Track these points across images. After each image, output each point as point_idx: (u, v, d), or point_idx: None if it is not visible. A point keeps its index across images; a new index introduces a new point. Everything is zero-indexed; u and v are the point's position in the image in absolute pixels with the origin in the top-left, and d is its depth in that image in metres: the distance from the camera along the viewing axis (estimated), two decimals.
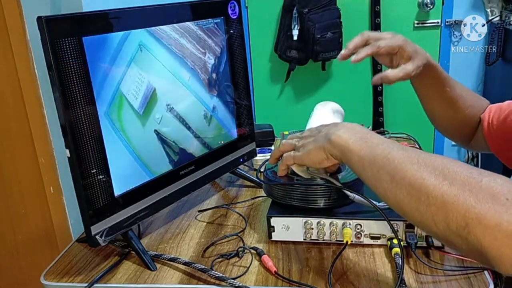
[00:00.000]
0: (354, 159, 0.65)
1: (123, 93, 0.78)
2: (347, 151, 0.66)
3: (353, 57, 0.83)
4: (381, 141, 0.64)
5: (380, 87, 2.30)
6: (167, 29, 0.85)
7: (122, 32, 0.77)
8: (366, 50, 0.82)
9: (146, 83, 0.82)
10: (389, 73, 0.82)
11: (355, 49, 0.84)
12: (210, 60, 0.94)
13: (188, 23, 0.89)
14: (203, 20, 0.92)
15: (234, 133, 1.03)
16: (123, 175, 0.79)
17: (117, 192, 0.78)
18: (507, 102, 0.89)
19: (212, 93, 0.96)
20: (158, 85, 0.84)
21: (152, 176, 0.85)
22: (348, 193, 0.79)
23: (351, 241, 0.79)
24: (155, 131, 0.85)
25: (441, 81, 0.88)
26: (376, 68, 2.28)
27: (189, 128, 0.91)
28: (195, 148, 0.93)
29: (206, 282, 0.75)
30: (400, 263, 0.72)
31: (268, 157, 1.15)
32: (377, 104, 2.32)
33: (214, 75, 0.96)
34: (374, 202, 0.79)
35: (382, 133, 1.34)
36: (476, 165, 2.35)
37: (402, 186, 0.56)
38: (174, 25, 0.86)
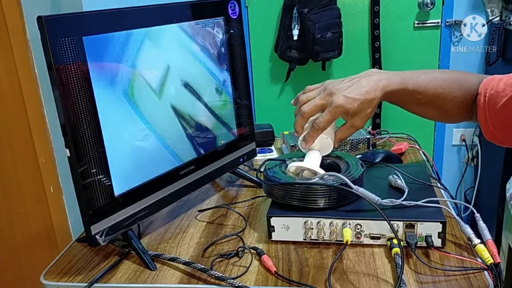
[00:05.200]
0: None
1: (139, 70, 0.80)
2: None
3: (303, 145, 0.90)
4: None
5: None
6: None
7: (122, 32, 0.77)
8: (312, 135, 0.88)
9: (160, 58, 0.84)
10: (342, 133, 0.89)
11: (302, 129, 0.90)
12: (219, 35, 0.96)
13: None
14: (203, 20, 0.92)
15: (234, 130, 1.03)
16: (123, 175, 0.79)
17: (117, 191, 0.78)
18: (503, 82, 0.82)
19: (222, 67, 0.97)
20: (172, 61, 0.86)
21: (178, 161, 0.89)
22: (352, 185, 0.80)
23: (351, 241, 0.79)
24: (172, 106, 0.86)
25: (408, 95, 0.86)
26: (375, 68, 2.28)
27: (203, 102, 0.93)
28: (207, 122, 0.96)
29: (206, 282, 0.75)
30: (400, 263, 0.72)
31: (269, 157, 1.15)
32: None
33: (223, 49, 0.97)
34: (376, 198, 0.79)
35: (380, 133, 1.34)
36: (476, 166, 2.35)
37: None
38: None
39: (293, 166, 0.88)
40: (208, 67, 0.94)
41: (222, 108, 0.99)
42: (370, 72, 0.87)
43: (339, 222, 0.80)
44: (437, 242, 0.77)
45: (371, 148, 1.24)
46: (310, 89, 0.90)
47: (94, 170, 0.74)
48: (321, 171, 0.84)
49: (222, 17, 0.96)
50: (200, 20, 0.91)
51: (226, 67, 0.99)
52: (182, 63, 0.89)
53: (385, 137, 1.30)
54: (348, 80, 0.86)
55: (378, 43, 2.22)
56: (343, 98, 0.83)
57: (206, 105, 0.95)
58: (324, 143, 0.89)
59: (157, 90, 0.84)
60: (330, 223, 0.80)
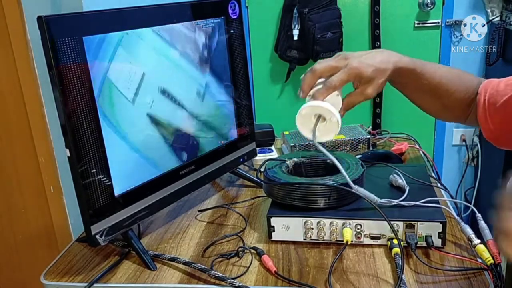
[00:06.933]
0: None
1: (111, 80, 0.76)
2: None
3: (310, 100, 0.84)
4: None
5: None
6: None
7: (122, 32, 0.77)
8: (323, 92, 0.82)
9: (134, 67, 0.79)
10: (351, 98, 0.84)
11: (310, 88, 0.84)
12: (201, 38, 0.92)
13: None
14: (204, 20, 0.92)
15: (234, 131, 1.03)
16: (123, 175, 0.79)
17: (117, 191, 0.78)
18: (503, 83, 0.84)
19: (204, 70, 0.93)
20: (147, 69, 0.81)
21: (156, 170, 0.84)
22: (352, 184, 0.80)
23: (351, 241, 0.79)
24: (148, 114, 0.82)
25: (415, 77, 0.87)
26: None
27: (182, 106, 0.89)
28: (190, 127, 0.91)
29: (206, 282, 0.75)
30: (400, 263, 0.72)
31: (269, 157, 1.15)
32: (375, 105, 2.31)
33: (205, 53, 0.93)
34: (376, 198, 0.79)
35: (381, 133, 1.34)
36: (476, 166, 2.35)
37: None
38: None
39: (306, 107, 0.82)
40: (199, 44, 0.92)
41: (215, 85, 0.96)
42: (382, 50, 0.88)
43: (339, 222, 0.80)
44: (437, 242, 0.77)
45: (371, 148, 1.23)
46: (322, 61, 0.87)
47: (94, 170, 0.74)
48: (339, 116, 0.80)
49: (222, 17, 0.96)
50: (200, 20, 0.91)
51: (220, 49, 0.96)
52: (171, 42, 0.86)
53: (385, 137, 1.30)
54: (361, 52, 0.86)
55: (378, 43, 2.22)
56: (358, 62, 0.82)
57: (198, 82, 0.91)
58: (334, 101, 0.84)
59: (145, 73, 0.81)
60: (330, 223, 0.80)
